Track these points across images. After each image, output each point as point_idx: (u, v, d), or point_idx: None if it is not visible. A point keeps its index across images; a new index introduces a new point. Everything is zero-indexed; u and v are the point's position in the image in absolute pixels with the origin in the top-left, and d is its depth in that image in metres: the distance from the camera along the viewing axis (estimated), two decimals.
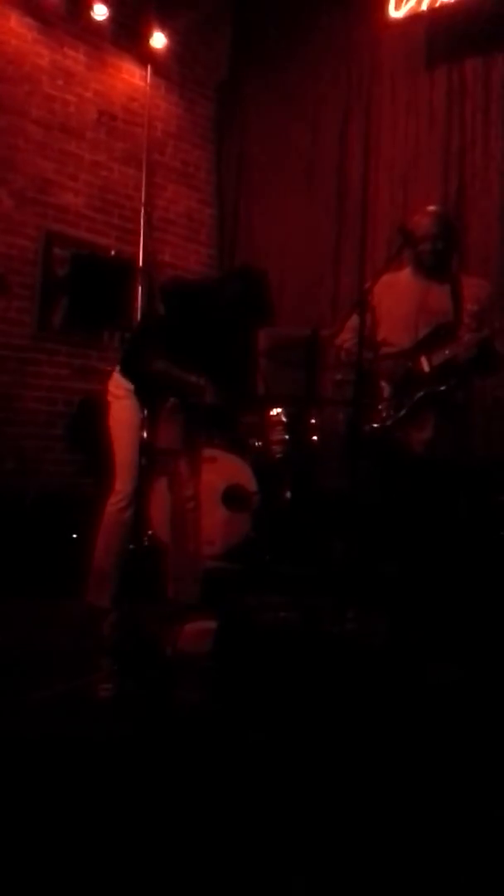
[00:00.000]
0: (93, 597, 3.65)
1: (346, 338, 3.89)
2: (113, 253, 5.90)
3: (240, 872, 1.92)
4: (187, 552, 3.91)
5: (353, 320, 3.72)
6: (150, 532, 4.53)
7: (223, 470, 4.76)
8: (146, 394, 3.65)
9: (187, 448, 3.93)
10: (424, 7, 5.45)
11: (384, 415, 3.71)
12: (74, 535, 4.54)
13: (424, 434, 3.69)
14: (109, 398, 3.72)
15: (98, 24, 5.75)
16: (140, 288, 5.98)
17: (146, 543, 4.49)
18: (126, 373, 3.67)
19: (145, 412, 3.45)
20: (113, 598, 3.60)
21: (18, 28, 5.39)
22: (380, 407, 3.71)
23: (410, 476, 3.62)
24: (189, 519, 3.92)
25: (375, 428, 3.70)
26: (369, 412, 3.69)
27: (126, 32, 6.00)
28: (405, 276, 3.89)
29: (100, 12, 5.68)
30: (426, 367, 3.66)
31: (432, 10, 5.44)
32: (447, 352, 3.62)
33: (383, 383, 3.74)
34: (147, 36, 6.04)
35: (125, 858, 1.93)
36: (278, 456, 4.78)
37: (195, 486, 3.95)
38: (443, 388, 3.65)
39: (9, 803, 2.14)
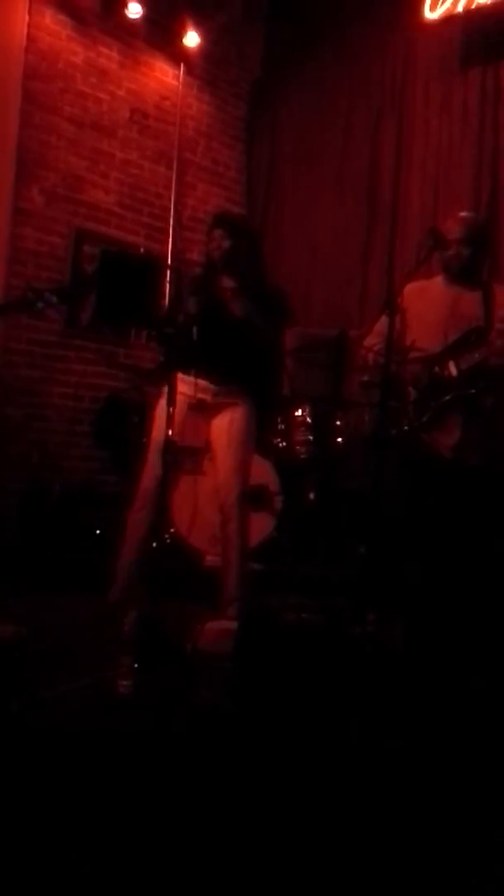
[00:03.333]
0: (114, 595, 3.67)
1: (375, 341, 3.86)
2: (142, 251, 5.91)
3: (241, 872, 1.91)
4: (230, 559, 3.85)
5: (382, 323, 3.71)
6: (171, 530, 4.53)
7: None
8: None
9: (232, 449, 3.87)
10: (460, 9, 5.41)
11: (410, 418, 3.69)
12: (98, 531, 4.56)
13: (452, 438, 3.66)
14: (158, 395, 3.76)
15: (132, 22, 5.76)
16: (169, 286, 5.99)
17: (168, 541, 4.49)
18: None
19: (171, 410, 3.43)
20: (134, 596, 3.61)
21: (53, 25, 5.42)
22: (407, 410, 3.70)
23: (437, 480, 3.60)
24: (228, 529, 3.84)
25: (401, 431, 3.68)
26: (396, 416, 3.67)
27: (159, 31, 6.01)
28: (437, 282, 3.88)
29: (134, 11, 5.70)
30: (454, 371, 3.64)
31: (468, 12, 5.40)
32: (476, 355, 3.59)
33: (410, 388, 3.72)
34: (180, 35, 6.04)
35: (133, 850, 1.94)
36: (302, 457, 4.77)
37: (239, 492, 3.86)
38: (471, 391, 3.63)
39: (27, 793, 2.15)
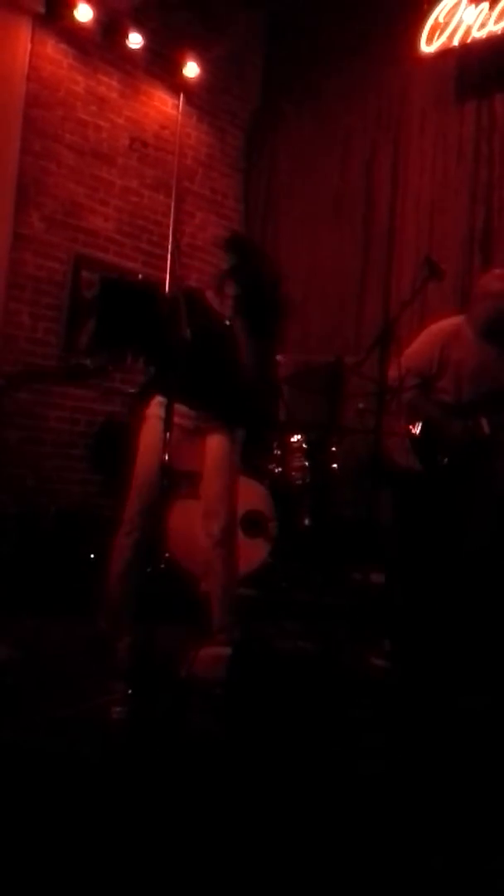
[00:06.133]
0: (104, 622, 3.64)
1: (409, 383, 3.81)
2: (140, 277, 5.95)
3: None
4: (215, 586, 3.76)
5: (413, 362, 3.71)
6: (166, 555, 4.53)
7: (241, 495, 4.75)
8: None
9: (218, 475, 3.79)
10: (456, 43, 5.51)
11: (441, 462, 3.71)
12: (92, 556, 4.55)
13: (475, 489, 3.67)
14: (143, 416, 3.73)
15: (132, 52, 5.85)
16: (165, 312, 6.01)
17: (163, 566, 4.48)
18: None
19: (168, 434, 3.41)
20: (125, 623, 3.59)
21: (54, 54, 5.50)
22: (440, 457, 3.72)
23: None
24: (214, 555, 3.74)
25: (441, 464, 3.70)
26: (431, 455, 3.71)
27: (160, 61, 6.10)
28: (467, 332, 3.85)
29: (134, 41, 5.78)
30: (486, 429, 3.66)
31: (463, 46, 5.50)
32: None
33: (450, 441, 3.73)
34: (180, 65, 6.13)
35: (126, 876, 1.93)
36: (298, 482, 4.78)
37: (225, 519, 3.76)
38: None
39: (20, 819, 2.13)
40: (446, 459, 3.71)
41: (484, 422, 3.67)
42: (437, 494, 3.71)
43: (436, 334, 3.83)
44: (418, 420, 3.79)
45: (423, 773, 2.59)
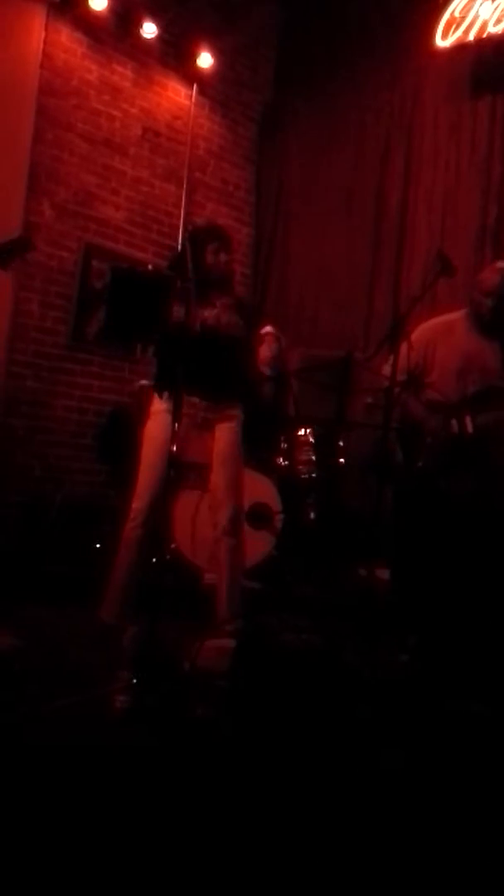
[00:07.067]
0: (106, 612, 3.64)
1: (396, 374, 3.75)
2: (150, 267, 5.94)
3: (236, 887, 1.91)
4: (221, 578, 3.78)
5: (402, 357, 3.67)
6: (172, 546, 4.53)
7: (247, 488, 4.75)
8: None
9: (224, 466, 3.81)
10: (471, 37, 5.49)
11: (425, 461, 3.69)
12: (98, 545, 4.56)
13: (466, 487, 3.64)
14: (149, 413, 3.75)
15: (146, 42, 5.83)
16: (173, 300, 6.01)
17: (168, 558, 4.49)
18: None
19: (176, 426, 3.41)
20: (128, 614, 3.60)
21: (69, 43, 5.48)
22: (423, 454, 3.69)
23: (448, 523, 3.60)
24: (221, 547, 3.77)
25: (416, 468, 3.68)
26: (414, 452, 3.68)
27: (174, 51, 6.08)
28: (460, 324, 3.84)
29: (149, 31, 5.77)
30: (470, 428, 3.63)
31: (479, 41, 5.48)
32: (494, 414, 3.60)
33: (429, 439, 3.70)
34: (194, 56, 6.11)
35: (129, 865, 1.94)
36: (304, 476, 4.77)
37: (232, 509, 3.79)
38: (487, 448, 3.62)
39: (24, 808, 2.14)
40: (421, 463, 3.68)
41: (468, 420, 3.65)
42: (435, 489, 3.69)
43: (423, 331, 3.80)
44: (404, 417, 3.77)
45: (427, 769, 2.60)
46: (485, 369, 3.71)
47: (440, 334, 3.79)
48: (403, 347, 3.57)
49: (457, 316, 3.87)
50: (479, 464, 3.64)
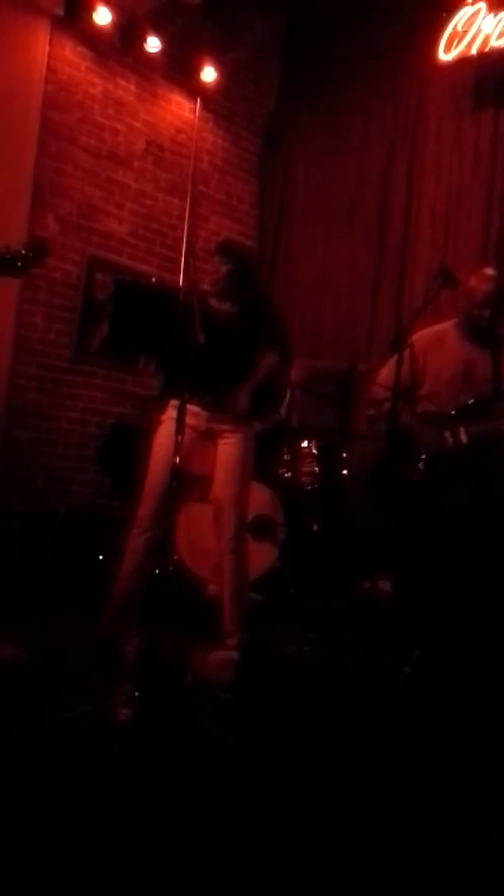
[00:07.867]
0: (109, 623, 3.63)
1: (387, 384, 3.75)
2: (154, 280, 5.96)
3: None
4: (227, 591, 3.77)
5: (393, 366, 3.66)
6: (175, 557, 4.53)
7: (250, 499, 4.75)
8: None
9: (232, 479, 3.79)
10: (474, 51, 5.51)
11: (420, 473, 3.68)
12: (101, 556, 4.55)
13: (461, 499, 3.63)
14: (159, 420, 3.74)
15: (150, 56, 5.86)
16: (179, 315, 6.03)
17: (171, 568, 4.48)
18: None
19: (179, 437, 3.41)
20: (131, 624, 3.58)
21: (73, 57, 5.52)
22: (418, 466, 3.68)
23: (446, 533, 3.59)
24: (226, 562, 3.75)
25: (411, 481, 3.67)
26: (409, 464, 3.67)
27: (177, 65, 6.11)
28: (451, 333, 3.83)
29: (152, 45, 5.80)
30: (464, 439, 3.63)
31: (482, 55, 5.51)
32: (488, 425, 3.59)
33: (423, 454, 3.70)
34: (198, 70, 6.14)
35: (132, 878, 1.93)
36: (307, 488, 4.77)
37: (237, 525, 3.77)
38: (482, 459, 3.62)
39: (27, 819, 2.14)
40: (417, 477, 3.68)
41: (462, 431, 3.64)
42: (434, 501, 3.68)
43: (413, 343, 3.78)
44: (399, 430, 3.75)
45: (429, 776, 2.59)
46: (477, 378, 3.71)
47: (431, 344, 3.79)
48: (406, 357, 3.57)
49: (447, 326, 3.87)
50: (475, 475, 3.64)
